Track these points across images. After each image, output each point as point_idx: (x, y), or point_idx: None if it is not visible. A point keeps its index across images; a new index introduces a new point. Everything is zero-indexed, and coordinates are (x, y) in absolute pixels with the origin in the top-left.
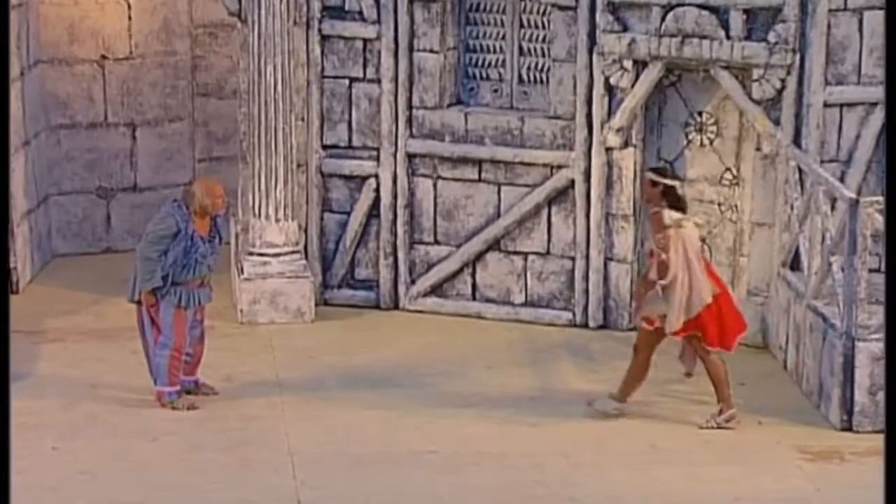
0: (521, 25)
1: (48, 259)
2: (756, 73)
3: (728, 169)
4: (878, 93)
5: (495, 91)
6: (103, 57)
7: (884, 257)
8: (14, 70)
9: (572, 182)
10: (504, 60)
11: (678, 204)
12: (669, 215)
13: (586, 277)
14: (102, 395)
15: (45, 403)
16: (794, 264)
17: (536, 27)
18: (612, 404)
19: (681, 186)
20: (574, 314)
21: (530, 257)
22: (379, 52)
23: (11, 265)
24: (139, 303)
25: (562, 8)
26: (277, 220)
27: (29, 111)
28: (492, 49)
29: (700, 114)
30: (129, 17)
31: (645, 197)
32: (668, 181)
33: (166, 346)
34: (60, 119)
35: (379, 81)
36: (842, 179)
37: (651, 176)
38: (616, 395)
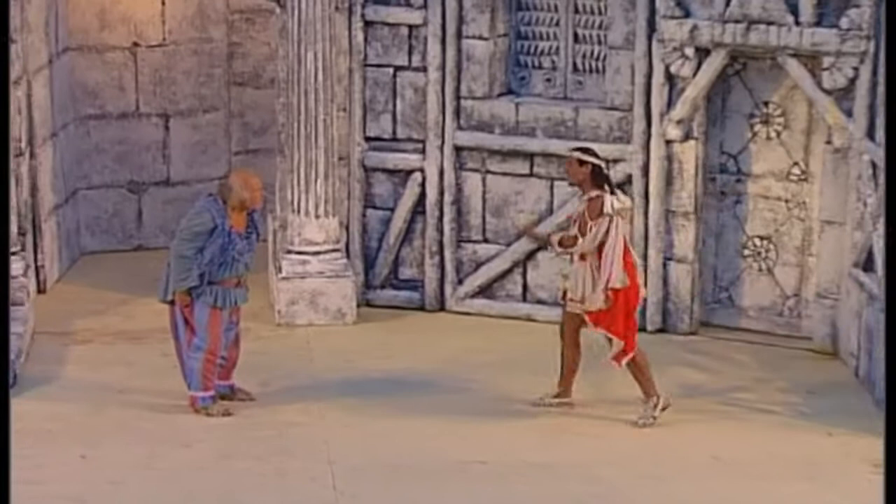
0: (576, 10)
1: (76, 257)
2: (827, 61)
3: (796, 163)
4: None
5: (548, 80)
6: (135, 44)
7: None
8: (42, 58)
9: (629, 177)
10: (557, 48)
11: (606, 183)
12: (612, 204)
13: (644, 278)
14: (132, 400)
15: (72, 409)
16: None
17: (592, 12)
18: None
19: (606, 166)
20: None
21: None
22: (425, 39)
23: (38, 263)
24: (172, 303)
25: None
26: (317, 217)
27: (57, 101)
28: (545, 36)
29: (766, 105)
30: (163, 2)
31: (572, 178)
32: (595, 160)
33: (200, 348)
34: (90, 109)
35: (425, 70)
36: None
37: (579, 155)
38: (559, 394)
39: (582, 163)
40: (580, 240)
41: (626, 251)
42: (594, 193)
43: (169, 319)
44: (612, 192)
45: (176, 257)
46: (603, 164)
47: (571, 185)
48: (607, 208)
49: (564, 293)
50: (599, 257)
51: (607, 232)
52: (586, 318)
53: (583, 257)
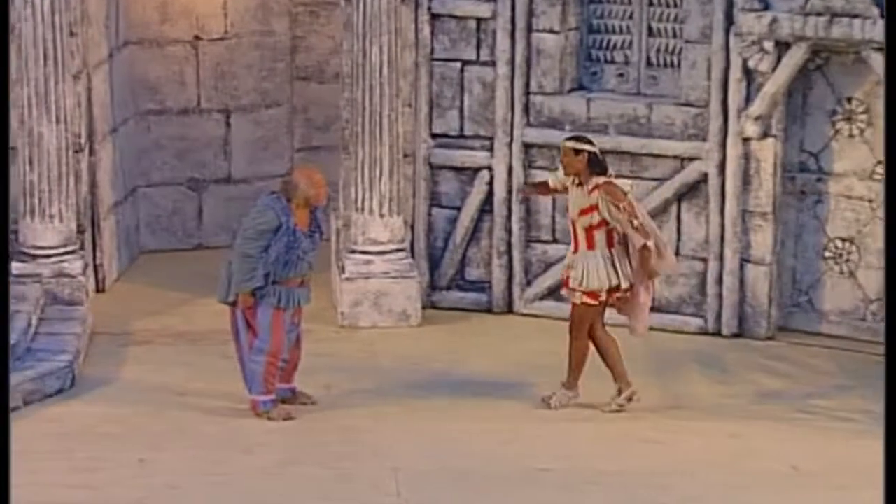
0: (651, 3)
1: (135, 255)
2: None
3: (880, 162)
4: None
5: (621, 75)
6: (196, 37)
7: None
8: (102, 52)
9: (705, 176)
10: (631, 41)
11: (604, 168)
12: (622, 183)
13: (720, 281)
14: (191, 403)
15: (130, 411)
16: None
17: (667, 5)
18: (567, 395)
19: (599, 151)
20: (705, 321)
21: None
22: (494, 33)
23: (97, 262)
24: (233, 304)
25: None
26: (382, 216)
27: (117, 96)
28: (617, 29)
29: (849, 101)
30: None
31: (569, 169)
32: (591, 147)
33: (262, 351)
34: (150, 104)
35: (493, 64)
36: None
37: (573, 144)
38: (566, 384)
39: (577, 152)
40: (635, 222)
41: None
42: (601, 180)
43: (230, 321)
44: (608, 174)
45: (240, 257)
46: (598, 150)
47: (567, 175)
48: (625, 188)
49: (567, 282)
50: (625, 235)
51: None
52: (648, 284)
53: (591, 244)
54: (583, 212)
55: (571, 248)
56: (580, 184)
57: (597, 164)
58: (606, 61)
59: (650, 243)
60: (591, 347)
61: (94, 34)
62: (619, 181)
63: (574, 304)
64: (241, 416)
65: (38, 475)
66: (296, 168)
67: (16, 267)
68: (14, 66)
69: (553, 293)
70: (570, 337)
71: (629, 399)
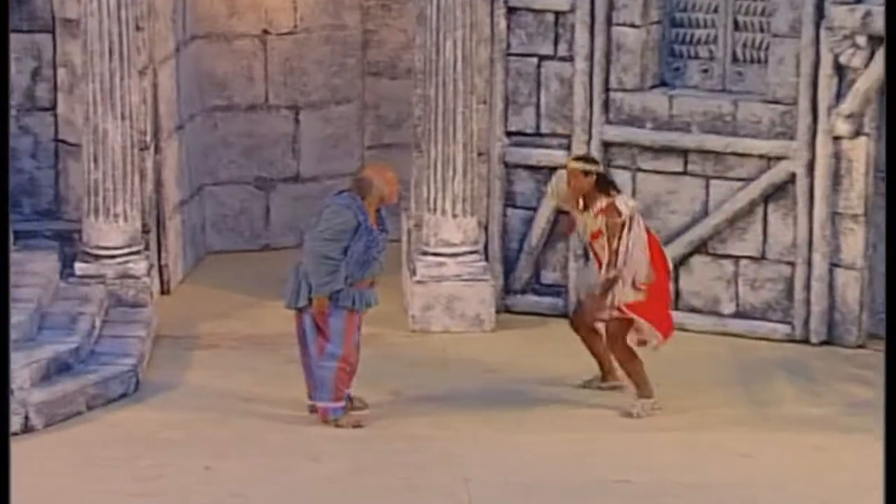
0: None
1: (201, 256)
2: None
3: None
4: None
5: (705, 71)
6: (265, 31)
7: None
8: (168, 46)
9: (793, 176)
10: (715, 36)
11: (613, 187)
12: (625, 203)
13: (808, 286)
14: (258, 410)
15: (196, 417)
16: None
17: None
18: (649, 403)
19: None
20: (793, 327)
21: (742, 262)
22: (572, 27)
23: (162, 262)
24: (300, 310)
25: None
26: (455, 216)
27: (183, 92)
28: (702, 23)
29: None
30: None
31: (576, 192)
32: (598, 168)
33: (335, 356)
34: (217, 101)
35: (572, 59)
36: None
37: (582, 166)
38: (639, 393)
39: (587, 173)
40: (617, 261)
41: (654, 244)
42: (604, 203)
43: (296, 326)
44: (617, 191)
45: (318, 259)
46: (604, 170)
47: (577, 195)
48: (623, 210)
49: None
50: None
51: (630, 231)
52: (623, 308)
53: (599, 261)
54: (594, 236)
55: (595, 266)
56: (586, 207)
57: (604, 185)
58: (690, 56)
59: (611, 272)
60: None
61: (160, 28)
62: (620, 200)
63: (607, 322)
64: (308, 423)
65: (102, 483)
66: (367, 165)
67: (79, 267)
68: (79, 62)
69: None
70: (615, 357)
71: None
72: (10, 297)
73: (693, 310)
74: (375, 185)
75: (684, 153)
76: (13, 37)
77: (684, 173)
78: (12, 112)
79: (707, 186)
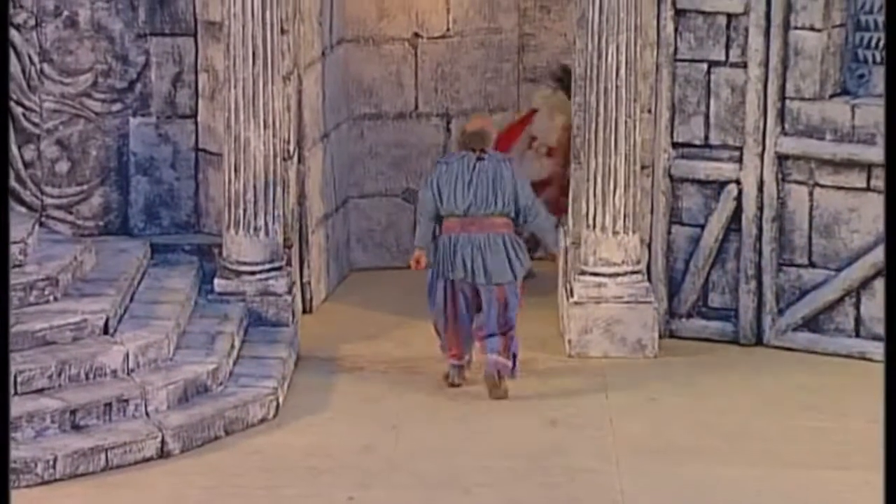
0: None
1: (346, 273)
2: None
3: None
4: None
5: None
6: (416, 35)
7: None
8: (315, 50)
9: None
10: None
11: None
12: None
13: None
14: (405, 437)
15: (340, 444)
16: None
17: None
18: None
19: None
20: None
21: None
22: (746, 30)
23: (304, 279)
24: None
25: None
26: (616, 233)
27: (329, 99)
28: None
29: None
30: None
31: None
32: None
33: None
34: (364, 108)
35: (745, 66)
36: None
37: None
38: None
39: None
40: None
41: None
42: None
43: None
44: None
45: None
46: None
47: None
48: None
49: None
50: None
51: None
52: None
53: None
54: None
55: None
56: None
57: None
58: (875, 62)
59: None
60: None
61: (306, 32)
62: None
63: None
64: (458, 452)
65: None
66: (472, 122)
67: (218, 284)
68: (221, 67)
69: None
70: None
71: None
72: (149, 315)
73: (877, 338)
74: (490, 133)
75: (868, 167)
76: (155, 40)
77: (867, 189)
78: (153, 120)
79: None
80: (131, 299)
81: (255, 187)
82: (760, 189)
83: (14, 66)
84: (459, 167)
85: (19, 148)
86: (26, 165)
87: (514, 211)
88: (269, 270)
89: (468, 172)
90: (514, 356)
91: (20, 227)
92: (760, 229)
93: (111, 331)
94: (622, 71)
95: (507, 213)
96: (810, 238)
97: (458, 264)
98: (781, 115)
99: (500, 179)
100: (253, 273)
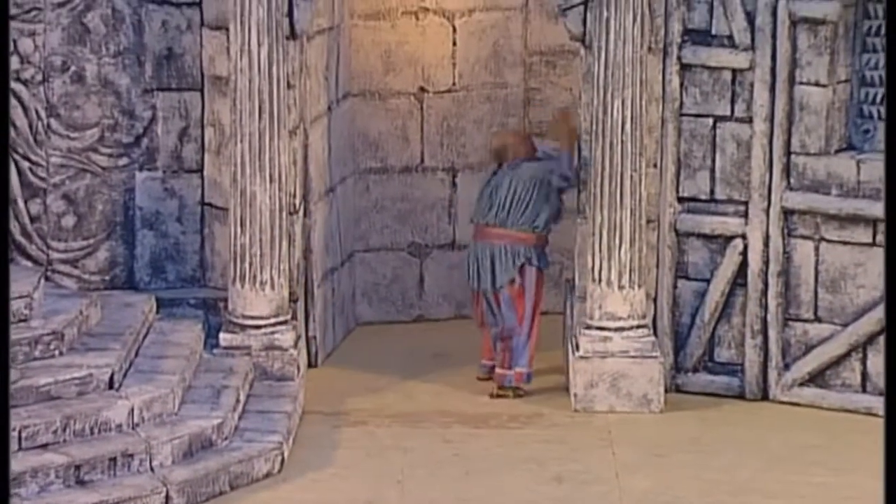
0: None
1: (351, 327)
2: None
3: None
4: None
5: None
6: (422, 89)
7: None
8: (321, 105)
9: None
10: None
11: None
12: None
13: None
14: (410, 492)
15: (345, 499)
16: None
17: None
18: None
19: None
20: None
21: None
22: (751, 85)
23: (310, 333)
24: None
25: None
26: (621, 287)
27: (335, 153)
28: None
29: None
30: (454, 43)
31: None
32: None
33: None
34: (370, 162)
35: (750, 120)
36: None
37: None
38: None
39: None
40: None
41: None
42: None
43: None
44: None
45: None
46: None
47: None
48: None
49: None
50: None
51: None
52: None
53: None
54: None
55: None
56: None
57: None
58: (880, 118)
59: None
60: None
61: (312, 86)
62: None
63: None
64: None
65: None
66: (496, 138)
67: (224, 338)
68: (227, 122)
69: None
70: None
71: None
72: (154, 369)
73: (883, 393)
74: (510, 145)
75: (873, 223)
76: (162, 95)
77: (873, 244)
78: (159, 174)
79: None
80: (136, 354)
81: (260, 241)
82: (766, 244)
83: (21, 121)
84: (486, 179)
85: (25, 202)
86: (32, 219)
87: (533, 222)
88: (274, 325)
89: (489, 185)
90: (516, 365)
91: (26, 281)
92: (766, 284)
93: (116, 385)
94: (628, 125)
95: (523, 225)
96: (816, 293)
97: (470, 271)
98: (787, 170)
99: (516, 186)
100: (258, 327)
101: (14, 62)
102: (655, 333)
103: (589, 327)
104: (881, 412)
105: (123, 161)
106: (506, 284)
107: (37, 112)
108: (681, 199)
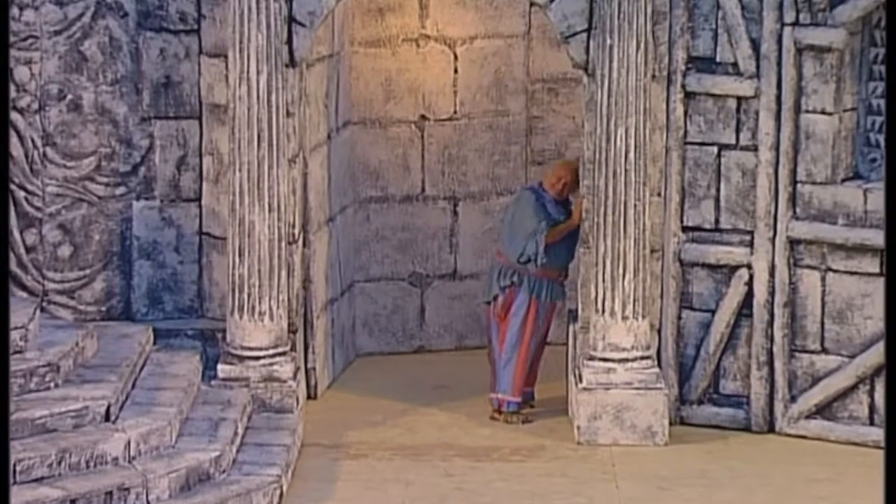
0: None
1: (351, 358)
2: None
3: None
4: None
5: None
6: (423, 117)
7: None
8: (320, 133)
9: None
10: None
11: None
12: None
13: None
14: None
15: None
16: None
17: None
18: None
19: None
20: None
21: None
22: (756, 113)
23: (309, 365)
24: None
25: None
26: (625, 318)
27: (334, 182)
28: None
29: None
30: (455, 71)
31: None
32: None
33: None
34: (370, 191)
35: (755, 149)
36: None
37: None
38: None
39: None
40: None
41: None
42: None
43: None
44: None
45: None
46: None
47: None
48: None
49: None
50: None
51: None
52: None
53: None
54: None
55: None
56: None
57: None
58: None
59: None
60: None
61: (311, 114)
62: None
63: None
64: None
65: None
66: (567, 167)
67: (222, 369)
68: (226, 150)
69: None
70: None
71: None
72: (151, 401)
73: None
74: (569, 183)
75: (880, 252)
76: (159, 123)
77: (880, 275)
78: (156, 203)
79: None
80: (133, 385)
81: (259, 271)
82: (772, 274)
83: (17, 150)
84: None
85: (21, 232)
86: (28, 250)
87: (513, 252)
88: (273, 356)
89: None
90: (498, 389)
91: (21, 312)
92: (772, 315)
93: (113, 418)
94: (631, 154)
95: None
96: (823, 324)
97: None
98: (793, 200)
99: (512, 214)
100: (257, 358)
101: (10, 90)
102: (660, 365)
103: (592, 358)
104: None
105: (120, 190)
106: (491, 300)
107: (33, 141)
108: (685, 229)
